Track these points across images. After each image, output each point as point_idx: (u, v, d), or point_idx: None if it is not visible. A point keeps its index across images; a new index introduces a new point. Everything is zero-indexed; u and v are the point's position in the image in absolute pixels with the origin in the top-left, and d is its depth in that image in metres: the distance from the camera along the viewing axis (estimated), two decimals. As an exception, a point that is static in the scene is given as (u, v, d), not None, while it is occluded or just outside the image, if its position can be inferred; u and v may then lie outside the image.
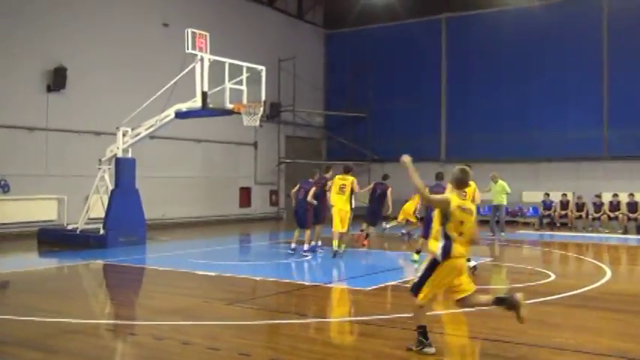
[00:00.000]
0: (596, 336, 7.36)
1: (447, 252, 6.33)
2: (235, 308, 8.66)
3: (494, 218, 19.61)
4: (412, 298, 6.52)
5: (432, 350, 6.33)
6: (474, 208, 6.59)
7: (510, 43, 25.51)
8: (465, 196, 7.13)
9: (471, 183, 11.38)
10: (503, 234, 19.18)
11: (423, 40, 27.81)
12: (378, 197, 16.39)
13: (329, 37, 30.60)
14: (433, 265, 6.41)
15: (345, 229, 13.85)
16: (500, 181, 19.54)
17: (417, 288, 6.48)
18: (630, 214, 21.41)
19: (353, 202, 14.09)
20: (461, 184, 6.62)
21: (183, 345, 6.78)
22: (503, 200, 19.52)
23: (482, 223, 18.90)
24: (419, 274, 6.59)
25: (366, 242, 16.23)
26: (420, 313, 6.51)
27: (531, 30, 25.10)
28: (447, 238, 6.35)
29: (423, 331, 6.42)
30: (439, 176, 13.25)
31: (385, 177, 17.18)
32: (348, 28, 29.41)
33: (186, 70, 15.47)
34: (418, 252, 12.90)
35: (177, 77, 15.54)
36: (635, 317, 8.46)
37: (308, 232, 14.11)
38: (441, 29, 27.54)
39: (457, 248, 6.36)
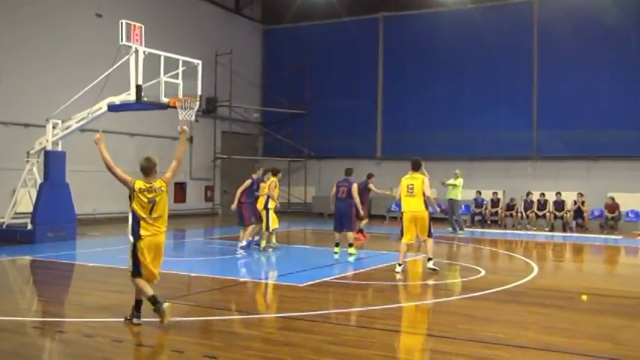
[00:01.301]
0: (523, 330, 7.58)
1: (136, 232, 7.21)
2: (169, 304, 8.51)
3: (453, 215, 20.23)
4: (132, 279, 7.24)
5: (139, 321, 7.15)
6: (164, 186, 7.35)
7: (446, 44, 26.02)
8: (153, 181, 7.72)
9: (418, 175, 11.57)
10: (461, 231, 19.90)
11: (361, 39, 28.04)
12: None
13: (267, 32, 30.49)
14: (134, 247, 7.18)
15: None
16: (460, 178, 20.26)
17: (136, 270, 7.23)
18: (557, 213, 22.18)
19: None
20: (144, 171, 7.73)
21: (113, 342, 6.64)
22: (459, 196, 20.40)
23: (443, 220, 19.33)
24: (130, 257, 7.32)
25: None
26: (142, 286, 7.21)
27: (466, 32, 25.67)
28: (135, 218, 7.17)
29: (138, 305, 7.25)
30: (348, 172, 13.99)
31: (349, 172, 14.35)
32: (286, 24, 29.37)
33: (120, 62, 15.13)
34: (337, 245, 13.68)
35: (111, 69, 15.18)
36: (560, 311, 8.77)
37: (249, 229, 14.04)
38: (379, 28, 27.84)
39: (146, 228, 7.12)
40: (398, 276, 11.14)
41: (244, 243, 13.91)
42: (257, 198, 14.30)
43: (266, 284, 10.73)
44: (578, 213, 21.86)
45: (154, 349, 6.40)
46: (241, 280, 10.90)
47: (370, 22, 27.90)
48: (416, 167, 11.86)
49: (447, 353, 6.44)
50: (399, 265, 11.46)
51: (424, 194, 11.41)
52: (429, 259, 11.62)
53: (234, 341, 6.83)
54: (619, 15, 23.18)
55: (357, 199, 13.60)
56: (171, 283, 10.37)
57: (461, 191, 20.40)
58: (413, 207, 11.46)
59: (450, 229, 20.00)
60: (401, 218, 11.84)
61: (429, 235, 11.66)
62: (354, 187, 13.63)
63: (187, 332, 7.30)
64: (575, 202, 21.88)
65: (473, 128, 25.13)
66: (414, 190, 11.44)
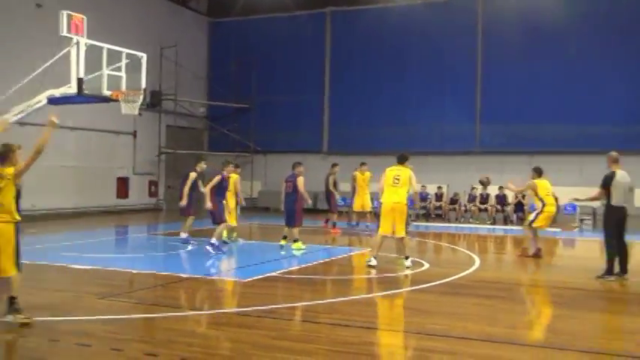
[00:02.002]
0: (465, 321, 7.71)
1: None
2: (109, 302, 8.37)
3: None
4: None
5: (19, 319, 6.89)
6: (11, 174, 7.08)
7: (392, 39, 26.23)
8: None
9: (404, 168, 11.63)
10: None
11: (308, 33, 28.02)
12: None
13: (213, 25, 30.14)
14: None
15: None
16: None
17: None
18: (498, 206, 22.66)
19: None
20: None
21: (50, 342, 6.46)
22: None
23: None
24: None
25: (334, 231, 17.26)
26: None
27: (412, 27, 25.93)
28: None
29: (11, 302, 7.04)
30: (293, 167, 14.00)
31: (294, 166, 14.15)
32: (232, 17, 29.11)
33: (61, 54, 14.74)
34: (284, 237, 13.84)
35: (51, 61, 14.77)
36: (501, 302, 8.96)
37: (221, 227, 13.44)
38: (326, 23, 27.86)
39: None
40: (372, 270, 11.12)
41: (215, 240, 12.98)
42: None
43: (210, 280, 10.62)
44: (519, 206, 22.37)
45: (92, 348, 6.26)
46: (185, 276, 10.76)
47: (317, 17, 27.90)
48: (402, 160, 11.91)
49: (391, 346, 6.51)
50: (374, 257, 11.40)
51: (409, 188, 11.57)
52: (406, 258, 11.55)
53: (176, 338, 6.73)
54: (560, 11, 23.80)
55: (304, 193, 13.58)
56: (113, 280, 10.19)
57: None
58: (396, 198, 11.43)
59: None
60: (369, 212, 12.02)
61: (406, 232, 11.72)
62: (300, 181, 13.59)
63: (128, 330, 7.16)
64: (517, 196, 22.38)
65: (418, 123, 25.42)
66: (400, 181, 11.48)
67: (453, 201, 23.49)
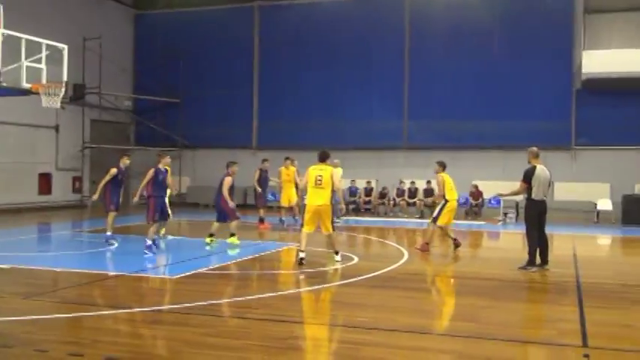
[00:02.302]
0: (393, 313, 7.84)
1: None
2: (32, 302, 8.09)
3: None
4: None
5: None
6: None
7: (321, 34, 26.34)
8: None
9: (326, 166, 11.53)
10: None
11: (236, 27, 27.78)
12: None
13: (139, 17, 29.46)
14: None
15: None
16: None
17: None
18: (426, 200, 23.12)
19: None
20: None
21: (-31, 345, 6.20)
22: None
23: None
24: None
25: (262, 226, 17.42)
26: None
27: (340, 23, 26.12)
28: None
29: None
30: (227, 165, 13.83)
31: (228, 165, 14.01)
32: (159, 9, 28.58)
33: (-24, 44, 14.09)
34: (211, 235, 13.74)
35: (-35, 51, 14.10)
36: (427, 294, 9.17)
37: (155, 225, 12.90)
38: (254, 17, 27.70)
39: None
40: (303, 262, 11.07)
41: (150, 242, 12.34)
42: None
43: (137, 277, 10.42)
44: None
45: (14, 349, 6.03)
46: (111, 273, 10.51)
47: (246, 11, 27.70)
48: (323, 158, 11.68)
49: (320, 339, 6.55)
50: (302, 251, 11.26)
51: (332, 186, 11.39)
52: (336, 253, 11.63)
53: (101, 337, 6.58)
54: (484, 10, 24.51)
55: (224, 192, 13.46)
56: (36, 279, 9.86)
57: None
58: (320, 200, 11.29)
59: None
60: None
61: (333, 228, 11.66)
62: (225, 181, 13.53)
63: (52, 330, 6.94)
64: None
65: (347, 118, 25.65)
66: (322, 182, 11.26)
67: (382, 195, 23.83)
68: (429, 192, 23.14)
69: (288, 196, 18.50)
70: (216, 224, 13.80)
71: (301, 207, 14.94)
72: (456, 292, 9.71)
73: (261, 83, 27.55)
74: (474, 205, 23.01)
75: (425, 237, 13.82)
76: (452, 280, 10.42)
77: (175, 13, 28.24)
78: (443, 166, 13.86)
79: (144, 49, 29.14)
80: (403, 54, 25.45)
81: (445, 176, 13.69)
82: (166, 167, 13.14)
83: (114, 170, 13.85)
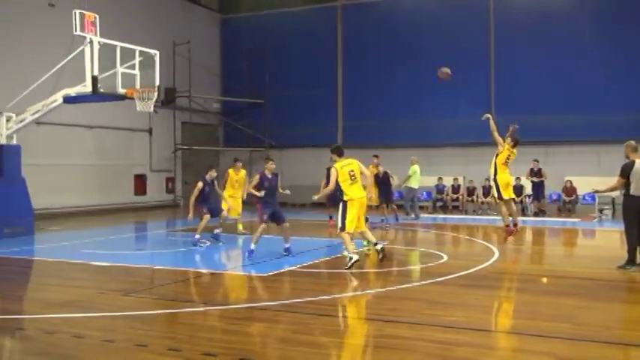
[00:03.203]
0: (485, 313, 7.70)
1: None
2: (131, 298, 8.44)
3: (409, 202, 20.96)
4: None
5: None
6: None
7: (404, 31, 26.13)
8: None
9: (352, 160, 11.45)
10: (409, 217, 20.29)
11: (320, 27, 27.98)
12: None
13: (225, 21, 30.19)
14: None
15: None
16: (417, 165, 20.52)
17: None
18: (515, 198, 22.48)
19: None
20: None
21: (75, 338, 6.53)
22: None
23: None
24: None
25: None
26: None
27: (424, 19, 25.84)
28: None
29: None
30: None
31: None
32: (244, 12, 29.15)
33: (75, 53, 14.83)
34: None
35: (65, 60, 14.88)
36: (520, 294, 8.93)
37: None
38: (337, 16, 27.80)
39: None
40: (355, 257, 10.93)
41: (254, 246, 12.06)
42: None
43: (230, 275, 10.67)
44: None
45: (117, 344, 6.32)
46: (205, 271, 10.82)
47: (329, 10, 27.85)
48: (342, 152, 11.34)
49: (410, 339, 6.51)
50: (377, 243, 11.22)
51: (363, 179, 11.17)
52: (376, 244, 11.33)
53: (198, 333, 6.79)
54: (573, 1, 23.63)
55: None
56: (134, 277, 10.28)
57: (418, 179, 20.65)
58: (362, 192, 11.08)
59: (406, 215, 20.41)
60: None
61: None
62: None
63: (151, 325, 7.23)
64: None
65: (432, 115, 25.34)
66: (356, 176, 11.02)
67: (470, 192, 23.39)
68: (517, 189, 22.49)
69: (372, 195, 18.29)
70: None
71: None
72: (550, 292, 9.41)
73: (345, 82, 27.62)
74: (567, 202, 22.22)
75: (504, 220, 13.36)
76: (545, 280, 10.10)
77: (259, 16, 28.72)
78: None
79: (230, 52, 29.81)
80: (488, 47, 24.88)
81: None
82: (272, 172, 13.01)
83: (200, 184, 13.89)
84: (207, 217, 13.94)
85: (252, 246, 11.84)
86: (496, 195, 13.20)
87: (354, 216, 10.89)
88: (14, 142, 15.92)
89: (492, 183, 13.43)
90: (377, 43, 26.73)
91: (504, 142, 13.17)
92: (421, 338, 6.51)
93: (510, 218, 13.16)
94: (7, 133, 15.69)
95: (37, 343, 6.52)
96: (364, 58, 26.98)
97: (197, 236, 13.76)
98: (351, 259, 10.61)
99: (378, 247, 11.16)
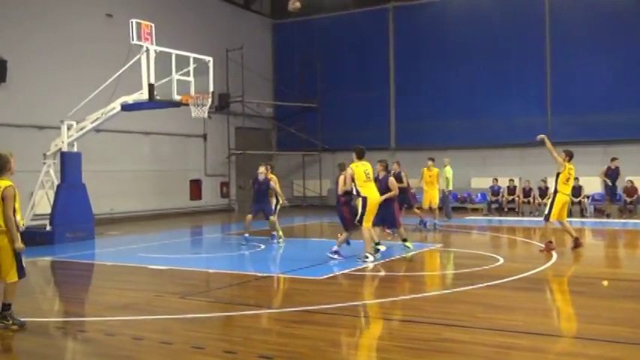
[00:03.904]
0: (543, 317, 7.54)
1: None
2: (188, 301, 8.58)
3: (447, 204, 20.50)
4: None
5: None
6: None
7: (456, 32, 25.86)
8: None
9: (367, 163, 11.69)
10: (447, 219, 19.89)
11: (371, 30, 27.94)
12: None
13: (276, 27, 30.45)
14: None
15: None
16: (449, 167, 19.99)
17: None
18: (574, 199, 21.96)
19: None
20: None
21: (135, 340, 6.68)
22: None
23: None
24: None
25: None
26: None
27: (477, 18, 25.52)
28: None
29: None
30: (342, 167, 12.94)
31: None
32: (295, 17, 29.30)
33: (132, 61, 15.18)
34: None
35: (123, 69, 15.24)
36: (580, 297, 8.71)
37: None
38: (389, 18, 27.72)
39: None
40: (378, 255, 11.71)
41: (337, 247, 12.04)
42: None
43: (284, 278, 10.75)
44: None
45: (174, 346, 6.44)
46: (259, 274, 10.92)
47: (380, 13, 27.79)
48: (363, 154, 11.96)
49: (467, 342, 6.42)
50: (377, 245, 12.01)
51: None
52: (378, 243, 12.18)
53: (253, 336, 6.86)
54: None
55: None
56: (190, 280, 10.45)
57: (450, 180, 20.05)
58: (376, 193, 11.75)
59: (447, 218, 20.06)
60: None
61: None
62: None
63: (207, 328, 7.33)
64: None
65: (486, 115, 24.99)
66: (370, 177, 11.78)
67: (526, 194, 22.93)
68: (576, 190, 21.95)
69: (430, 198, 18.15)
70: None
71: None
72: (612, 296, 9.14)
73: (397, 83, 27.50)
74: (628, 203, 21.56)
75: (544, 236, 13.12)
76: (606, 283, 9.83)
77: (311, 21, 28.85)
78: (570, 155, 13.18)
79: (282, 56, 30.06)
80: (544, 45, 24.36)
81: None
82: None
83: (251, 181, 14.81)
84: (248, 217, 14.46)
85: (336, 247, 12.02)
86: (546, 212, 12.92)
87: (371, 213, 11.58)
88: (75, 149, 16.41)
89: (548, 201, 13.32)
90: (429, 44, 26.53)
91: (562, 160, 12.84)
92: (478, 342, 6.42)
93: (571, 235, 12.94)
94: (69, 141, 16.17)
95: (98, 345, 6.69)
96: (416, 59, 26.82)
97: (246, 235, 14.31)
98: (367, 257, 11.44)
99: (379, 246, 12.04)
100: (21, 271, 7.22)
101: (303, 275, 10.80)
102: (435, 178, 18.18)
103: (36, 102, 18.94)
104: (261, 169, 14.74)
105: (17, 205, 7.13)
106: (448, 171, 19.96)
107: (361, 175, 11.59)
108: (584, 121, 23.47)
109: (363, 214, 11.53)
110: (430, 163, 18.34)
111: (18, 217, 7.12)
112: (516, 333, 6.71)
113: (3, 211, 7.00)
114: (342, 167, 12.65)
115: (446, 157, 20.51)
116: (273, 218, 14.61)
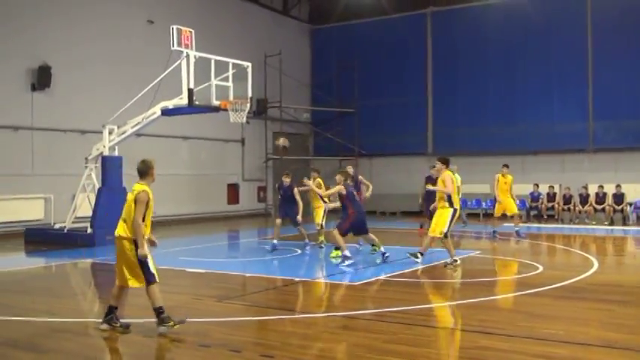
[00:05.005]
0: (584, 326, 7.40)
1: None
2: (225, 305, 8.65)
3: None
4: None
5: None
6: (135, 191, 7.20)
7: (496, 37, 25.61)
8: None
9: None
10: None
11: (409, 35, 27.84)
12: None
13: (315, 32, 30.55)
14: None
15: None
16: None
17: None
18: (616, 206, 21.54)
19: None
20: (139, 173, 7.38)
21: (173, 342, 6.76)
22: None
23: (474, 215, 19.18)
24: None
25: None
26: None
27: (516, 23, 25.23)
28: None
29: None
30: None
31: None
32: (333, 23, 29.40)
33: (172, 67, 15.39)
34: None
35: (163, 74, 15.47)
36: (623, 307, 8.52)
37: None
38: (427, 24, 27.58)
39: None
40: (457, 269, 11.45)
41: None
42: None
43: (321, 283, 10.75)
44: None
45: (212, 349, 6.49)
46: (296, 279, 10.95)
47: (418, 18, 27.68)
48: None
49: (506, 351, 6.33)
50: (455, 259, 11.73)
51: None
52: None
53: (290, 340, 6.87)
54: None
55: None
56: (228, 283, 10.53)
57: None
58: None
59: (463, 224, 19.80)
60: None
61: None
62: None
63: (244, 332, 7.38)
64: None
65: (526, 121, 24.67)
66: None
67: (567, 201, 22.55)
68: (618, 197, 21.53)
69: (504, 207, 17.07)
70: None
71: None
72: (656, 305, 8.94)
73: (435, 88, 27.33)
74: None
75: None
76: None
77: (348, 26, 28.89)
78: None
79: (320, 62, 30.13)
80: (586, 51, 23.95)
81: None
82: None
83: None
84: (277, 221, 14.57)
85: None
86: None
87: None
88: (116, 153, 16.70)
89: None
90: (466, 49, 26.33)
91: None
92: (518, 351, 6.32)
93: None
94: (110, 145, 16.47)
95: (138, 347, 6.78)
96: (454, 64, 26.62)
97: (274, 241, 14.32)
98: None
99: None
100: (150, 277, 7.16)
101: (340, 280, 10.79)
102: (510, 185, 17.08)
103: (79, 107, 19.34)
104: (286, 179, 14.69)
105: (149, 212, 7.18)
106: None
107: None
108: (627, 127, 23.00)
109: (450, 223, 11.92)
110: (505, 170, 17.17)
111: (146, 224, 7.15)
112: (556, 342, 6.60)
113: (134, 216, 7.06)
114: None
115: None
116: (302, 229, 14.63)
